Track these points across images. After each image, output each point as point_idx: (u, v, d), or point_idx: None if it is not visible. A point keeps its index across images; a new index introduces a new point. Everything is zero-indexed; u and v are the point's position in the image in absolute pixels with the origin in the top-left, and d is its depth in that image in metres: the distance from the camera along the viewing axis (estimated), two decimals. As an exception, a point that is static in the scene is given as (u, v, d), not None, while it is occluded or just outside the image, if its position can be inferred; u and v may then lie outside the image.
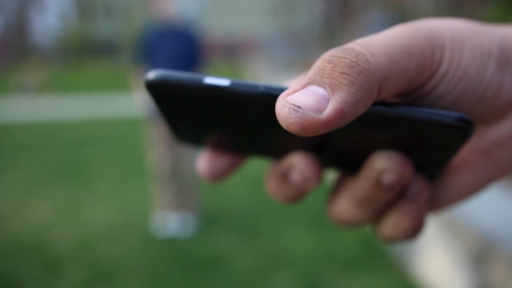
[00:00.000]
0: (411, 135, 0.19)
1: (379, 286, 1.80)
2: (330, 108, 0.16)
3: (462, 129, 0.17)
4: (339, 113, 0.16)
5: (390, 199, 0.22)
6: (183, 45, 2.36)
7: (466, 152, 0.22)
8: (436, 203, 0.24)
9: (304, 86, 0.16)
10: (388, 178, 0.21)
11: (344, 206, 0.24)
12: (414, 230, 0.23)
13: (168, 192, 2.41)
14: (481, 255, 1.40)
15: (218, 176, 0.25)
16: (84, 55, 18.40)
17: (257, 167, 2.85)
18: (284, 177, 0.24)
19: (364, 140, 0.20)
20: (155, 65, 2.33)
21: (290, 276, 1.90)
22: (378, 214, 0.24)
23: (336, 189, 0.25)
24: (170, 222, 2.38)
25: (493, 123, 0.21)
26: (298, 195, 0.24)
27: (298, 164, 0.23)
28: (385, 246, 2.12)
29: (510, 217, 1.46)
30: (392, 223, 0.23)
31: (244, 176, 2.95)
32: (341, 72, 0.16)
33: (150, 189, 2.89)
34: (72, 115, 6.75)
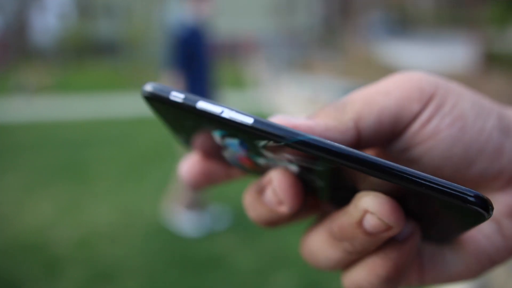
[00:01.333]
0: (418, 198, 0.17)
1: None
2: None
3: (477, 211, 0.16)
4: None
5: (368, 246, 0.19)
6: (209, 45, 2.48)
7: None
8: (438, 275, 0.22)
9: None
10: (370, 221, 0.18)
11: (318, 239, 0.21)
12: (388, 281, 0.20)
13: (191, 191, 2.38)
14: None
15: (200, 181, 0.24)
16: (84, 55, 18.39)
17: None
18: (261, 192, 0.22)
19: (363, 181, 0.18)
20: (193, 66, 2.36)
21: (290, 276, 1.90)
22: (350, 261, 0.21)
23: (317, 220, 0.23)
24: (191, 220, 2.39)
25: (499, 191, 0.21)
26: (270, 219, 0.22)
27: (275, 180, 0.21)
28: None
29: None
30: (365, 266, 0.20)
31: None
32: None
33: (172, 188, 2.89)
34: (72, 115, 6.75)
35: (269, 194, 0.21)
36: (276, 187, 0.21)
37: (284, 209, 0.21)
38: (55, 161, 3.97)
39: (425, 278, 0.22)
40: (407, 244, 0.19)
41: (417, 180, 0.16)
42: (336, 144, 0.17)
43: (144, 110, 7.10)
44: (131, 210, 2.69)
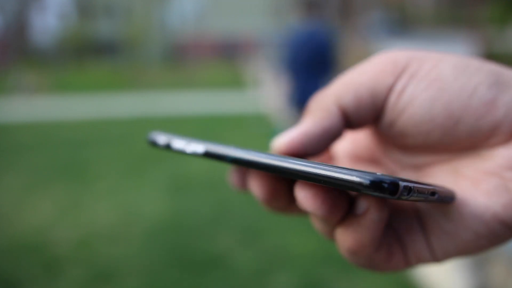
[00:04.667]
0: None
1: (379, 286, 1.80)
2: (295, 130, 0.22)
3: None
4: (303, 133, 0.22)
5: (323, 223, 0.22)
6: (320, 49, 2.59)
7: (476, 175, 0.20)
8: (447, 248, 0.21)
9: None
10: (302, 207, 0.20)
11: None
12: (352, 251, 0.21)
13: None
14: (481, 255, 1.40)
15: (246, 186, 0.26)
16: (84, 55, 18.39)
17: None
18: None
19: None
20: (298, 65, 2.58)
21: (290, 276, 1.90)
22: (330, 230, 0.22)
23: None
24: None
25: (499, 145, 0.20)
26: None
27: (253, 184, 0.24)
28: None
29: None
30: (337, 237, 0.21)
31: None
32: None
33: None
34: (72, 115, 6.75)
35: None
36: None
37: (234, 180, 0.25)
38: (55, 161, 3.97)
39: (436, 252, 0.21)
40: (363, 219, 0.20)
41: (295, 172, 0.17)
42: (235, 152, 0.20)
43: (144, 110, 7.11)
44: (131, 210, 2.69)
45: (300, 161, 0.18)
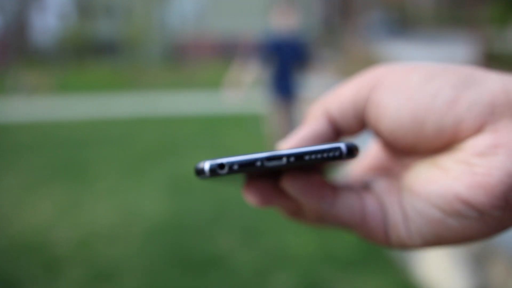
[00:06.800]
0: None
1: (379, 286, 1.80)
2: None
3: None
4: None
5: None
6: (296, 52, 3.18)
7: (448, 165, 0.22)
8: (411, 236, 0.23)
9: None
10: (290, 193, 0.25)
11: None
12: (289, 215, 0.29)
13: None
14: (481, 255, 1.40)
15: (266, 201, 0.27)
16: (84, 55, 18.39)
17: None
18: None
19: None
20: (276, 65, 3.20)
21: (290, 276, 1.90)
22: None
23: None
24: None
25: (469, 136, 0.21)
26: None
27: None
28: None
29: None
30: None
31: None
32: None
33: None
34: (72, 115, 6.75)
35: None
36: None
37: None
38: (55, 161, 3.97)
39: (411, 231, 0.23)
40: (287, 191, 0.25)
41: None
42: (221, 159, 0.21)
43: (144, 110, 7.10)
44: (131, 210, 2.69)
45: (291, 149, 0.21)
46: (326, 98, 0.26)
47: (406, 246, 0.24)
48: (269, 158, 0.20)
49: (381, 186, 0.26)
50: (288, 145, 0.26)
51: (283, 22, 3.24)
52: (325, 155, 0.20)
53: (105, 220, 2.54)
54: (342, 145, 0.20)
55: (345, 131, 0.26)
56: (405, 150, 0.24)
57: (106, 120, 6.27)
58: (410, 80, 0.23)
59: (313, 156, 0.20)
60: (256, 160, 0.20)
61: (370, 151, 0.30)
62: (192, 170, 3.49)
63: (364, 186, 0.27)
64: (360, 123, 0.25)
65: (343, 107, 0.25)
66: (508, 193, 0.20)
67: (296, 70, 3.25)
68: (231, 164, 0.20)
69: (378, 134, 0.25)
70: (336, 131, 0.26)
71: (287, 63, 3.19)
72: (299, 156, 0.20)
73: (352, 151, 0.20)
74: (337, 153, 0.20)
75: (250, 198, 0.27)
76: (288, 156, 0.20)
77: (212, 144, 4.58)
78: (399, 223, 0.24)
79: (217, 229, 2.39)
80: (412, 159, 0.25)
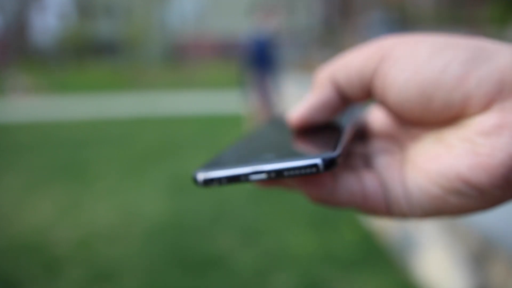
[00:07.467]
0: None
1: (379, 286, 1.80)
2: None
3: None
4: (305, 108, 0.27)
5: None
6: (272, 51, 3.82)
7: (453, 141, 0.22)
8: (407, 187, 0.24)
9: None
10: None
11: None
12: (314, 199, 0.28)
13: None
14: (481, 255, 1.40)
15: (267, 184, 0.28)
16: (84, 55, 18.39)
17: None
18: None
19: None
20: (263, 64, 3.84)
21: (290, 276, 1.90)
22: None
23: None
24: None
25: (477, 113, 0.21)
26: None
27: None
28: (384, 245, 2.12)
29: (510, 217, 1.46)
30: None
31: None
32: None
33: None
34: (72, 115, 6.75)
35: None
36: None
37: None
38: (55, 161, 3.97)
39: (412, 202, 0.24)
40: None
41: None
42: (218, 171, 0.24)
43: (144, 110, 7.11)
44: (131, 210, 2.69)
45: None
46: (334, 65, 0.26)
47: (407, 216, 0.25)
48: (253, 173, 0.23)
49: (382, 162, 0.26)
50: (297, 114, 0.28)
51: (264, 25, 3.73)
52: (302, 171, 0.22)
53: (105, 220, 2.54)
54: (319, 161, 0.22)
55: (352, 98, 0.26)
56: (411, 121, 0.24)
57: (106, 120, 6.27)
58: (419, 53, 0.22)
59: (291, 172, 0.22)
60: (240, 175, 0.23)
61: (378, 117, 0.30)
62: (192, 170, 3.48)
63: (364, 161, 0.27)
64: (367, 93, 0.25)
65: (350, 77, 0.25)
66: (509, 175, 0.20)
67: (271, 62, 3.89)
68: (219, 179, 0.24)
69: (385, 105, 0.25)
70: (343, 99, 0.27)
71: (263, 60, 3.84)
72: (279, 172, 0.23)
73: (329, 166, 0.22)
74: (313, 170, 0.22)
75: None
76: (269, 172, 0.23)
77: (212, 144, 4.58)
78: (400, 197, 0.24)
79: (217, 229, 2.39)
80: (419, 130, 0.25)
